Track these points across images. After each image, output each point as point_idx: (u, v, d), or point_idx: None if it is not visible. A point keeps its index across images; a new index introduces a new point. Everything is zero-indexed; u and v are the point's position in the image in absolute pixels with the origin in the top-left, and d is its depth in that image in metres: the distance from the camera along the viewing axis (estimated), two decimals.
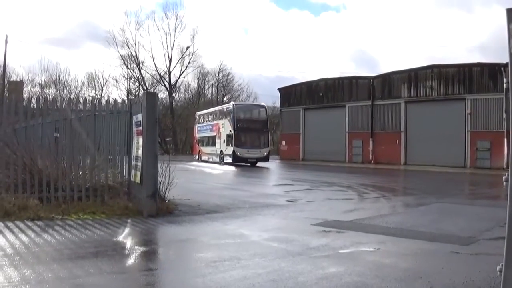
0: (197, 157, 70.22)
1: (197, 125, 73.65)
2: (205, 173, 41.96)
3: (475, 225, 14.38)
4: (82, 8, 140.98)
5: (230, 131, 57.20)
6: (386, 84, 64.61)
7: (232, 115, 57.62)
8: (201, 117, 73.38)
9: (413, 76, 61.33)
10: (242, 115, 59.60)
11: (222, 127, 60.74)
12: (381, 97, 63.37)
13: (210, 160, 64.27)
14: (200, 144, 70.64)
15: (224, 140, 59.49)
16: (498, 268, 5.57)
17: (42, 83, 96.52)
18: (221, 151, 60.30)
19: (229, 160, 57.37)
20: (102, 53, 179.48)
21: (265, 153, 57.96)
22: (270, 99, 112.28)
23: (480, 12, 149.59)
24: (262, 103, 68.41)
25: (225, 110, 62.57)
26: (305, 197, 21.54)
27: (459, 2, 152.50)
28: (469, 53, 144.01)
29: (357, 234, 12.59)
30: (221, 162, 59.30)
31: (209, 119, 68.67)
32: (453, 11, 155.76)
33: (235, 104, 61.78)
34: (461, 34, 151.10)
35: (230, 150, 57.13)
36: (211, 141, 65.55)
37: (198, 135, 72.41)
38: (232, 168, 50.74)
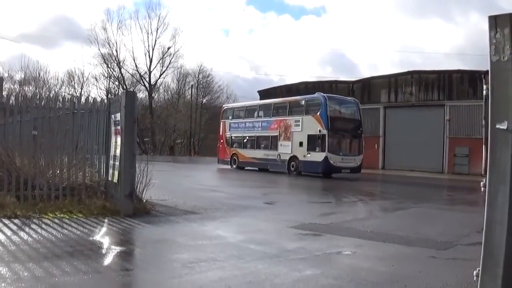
0: (228, 163, 54.27)
1: (228, 121, 56.12)
2: None
3: (453, 230, 14.47)
4: (57, 4, 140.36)
5: (320, 131, 41.89)
6: (365, 89, 65.08)
7: (322, 110, 42.59)
8: (238, 112, 56.63)
9: (393, 82, 61.88)
10: (336, 111, 45.37)
11: (297, 125, 45.22)
12: (360, 102, 63.76)
13: (267, 168, 48.64)
14: (235, 145, 54.21)
15: (300, 143, 44.41)
16: (474, 273, 5.60)
17: (22, 80, 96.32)
18: (292, 157, 45.19)
19: (311, 169, 43.22)
20: (80, 51, 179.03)
21: (358, 162, 43.75)
22: (251, 101, 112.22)
23: (458, 20, 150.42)
24: (352, 98, 52.17)
25: (304, 102, 46.49)
26: (283, 200, 21.56)
27: (438, 10, 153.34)
28: (447, 60, 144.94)
29: (334, 237, 12.63)
30: (290, 171, 45.05)
31: (262, 113, 51.96)
32: (432, 18, 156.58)
33: (328, 96, 45.02)
34: (439, 40, 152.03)
35: (317, 156, 42.04)
36: (264, 142, 50.20)
37: (231, 133, 55.31)
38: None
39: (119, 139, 14.83)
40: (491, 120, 5.39)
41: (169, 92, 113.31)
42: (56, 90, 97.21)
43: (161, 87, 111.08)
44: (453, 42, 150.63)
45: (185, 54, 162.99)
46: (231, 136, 54.97)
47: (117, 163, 14.98)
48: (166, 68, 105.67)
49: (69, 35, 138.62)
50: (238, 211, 16.83)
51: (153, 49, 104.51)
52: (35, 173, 14.92)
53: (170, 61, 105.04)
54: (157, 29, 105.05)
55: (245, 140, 52.91)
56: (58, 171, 15.36)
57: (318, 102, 43.98)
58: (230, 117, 56.50)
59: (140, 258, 10.02)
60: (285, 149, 46.49)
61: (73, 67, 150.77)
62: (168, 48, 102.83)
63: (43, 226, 12.19)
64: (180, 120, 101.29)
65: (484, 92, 5.59)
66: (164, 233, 12.43)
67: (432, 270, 9.42)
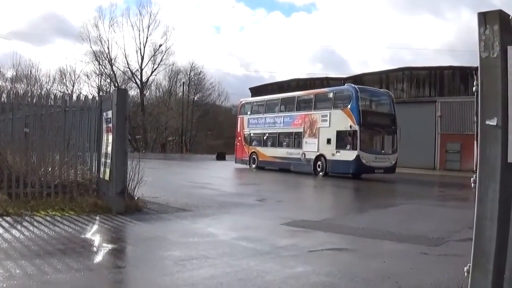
0: (247, 162, 49.07)
1: (247, 117, 50.90)
2: None
3: (444, 226, 14.49)
4: (47, 1, 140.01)
5: (351, 126, 37.10)
6: None
7: (353, 103, 37.69)
8: (258, 106, 51.21)
9: (385, 78, 61.71)
10: (368, 104, 41.35)
11: (325, 120, 39.99)
12: None
13: (289, 168, 43.37)
14: (254, 143, 48.99)
15: (328, 140, 39.23)
16: (465, 269, 5.62)
17: (13, 77, 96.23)
18: (319, 155, 40.02)
19: (341, 169, 38.35)
20: (72, 48, 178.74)
21: (393, 161, 38.65)
22: (241, 98, 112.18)
23: (448, 16, 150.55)
24: (385, 90, 46.75)
25: (333, 95, 40.86)
26: (275, 197, 21.58)
27: (428, 6, 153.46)
28: (438, 56, 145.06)
29: (325, 234, 12.64)
30: (316, 172, 39.97)
31: (284, 108, 46.84)
32: (422, 14, 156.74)
33: (359, 88, 39.96)
34: (430, 37, 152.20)
35: (347, 155, 37.21)
36: (286, 140, 44.98)
37: (249, 130, 49.99)
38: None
39: (110, 136, 14.81)
40: (481, 116, 5.41)
41: (160, 90, 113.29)
42: (47, 87, 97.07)
43: (152, 85, 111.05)
44: (443, 38, 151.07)
45: (176, 52, 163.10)
46: (250, 133, 49.65)
47: (108, 160, 14.97)
48: (158, 66, 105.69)
49: (59, 32, 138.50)
50: (230, 208, 16.83)
51: (144, 47, 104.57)
52: (27, 171, 14.91)
53: (162, 58, 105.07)
54: (149, 27, 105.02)
55: (265, 138, 47.89)
56: (50, 169, 15.36)
57: (348, 95, 38.87)
58: (248, 112, 50.95)
59: (132, 256, 10.03)
60: (310, 147, 41.07)
61: (64, 64, 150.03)
62: (160, 46, 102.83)
63: (35, 223, 12.19)
64: (171, 118, 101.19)
65: (474, 88, 5.61)
66: (155, 230, 12.43)
67: (424, 267, 9.44)
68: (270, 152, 46.12)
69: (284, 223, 13.89)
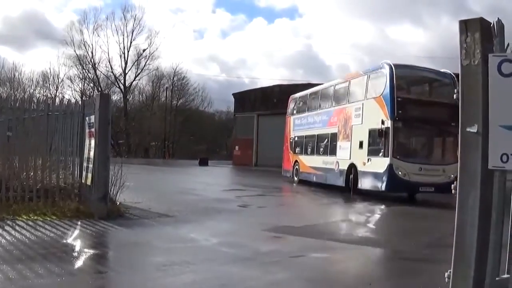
0: (290, 174, 39.31)
1: (293, 117, 40.98)
2: None
3: (426, 231, 14.56)
4: (26, 3, 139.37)
5: (383, 122, 25.05)
6: None
7: (387, 87, 25.53)
8: (301, 102, 40.24)
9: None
10: (411, 89, 29.01)
11: (358, 115, 28.24)
12: None
13: (325, 181, 32.04)
14: (297, 150, 38.62)
15: (360, 143, 27.49)
16: (446, 274, 5.67)
17: None
18: (351, 165, 28.17)
19: (372, 184, 26.15)
20: (54, 52, 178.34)
21: (450, 175, 23.32)
22: (225, 104, 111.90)
23: (428, 22, 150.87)
24: (445, 70, 28.21)
25: (366, 78, 28.27)
26: (257, 203, 21.60)
27: (408, 13, 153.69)
28: (418, 62, 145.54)
29: (307, 240, 12.67)
30: (350, 189, 27.58)
31: (322, 103, 35.25)
32: (402, 21, 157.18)
33: (396, 65, 26.42)
34: (409, 43, 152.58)
35: (378, 164, 25.42)
36: (323, 144, 33.51)
37: (294, 134, 40.07)
38: None
39: (93, 141, 14.79)
40: (461, 123, 5.47)
41: (144, 95, 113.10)
42: (30, 91, 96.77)
43: (136, 89, 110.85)
44: (423, 45, 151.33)
45: (160, 56, 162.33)
46: (294, 137, 39.70)
47: (90, 165, 14.93)
48: (141, 70, 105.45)
49: (40, 36, 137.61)
50: (212, 214, 16.82)
51: (128, 51, 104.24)
52: (9, 175, 14.85)
53: (146, 63, 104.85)
54: (133, 31, 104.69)
55: (305, 142, 37.23)
56: (32, 173, 15.29)
57: (382, 77, 26.25)
58: (294, 111, 40.96)
59: (114, 261, 10.01)
60: (343, 153, 29.63)
61: (48, 68, 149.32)
62: (143, 50, 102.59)
63: (17, 228, 12.14)
64: (154, 123, 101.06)
65: (455, 96, 5.66)
66: (137, 236, 12.42)
67: (405, 272, 9.50)
68: (309, 161, 35.62)
69: (265, 229, 13.91)
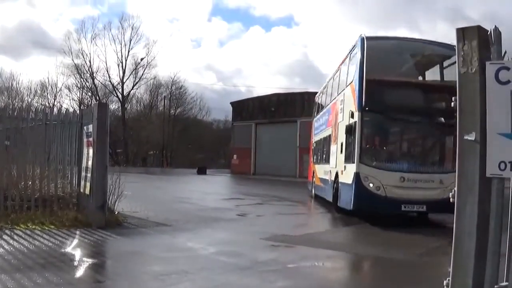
0: (310, 187, 32.80)
1: (314, 120, 34.50)
2: None
3: (424, 239, 14.55)
4: (23, 13, 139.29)
5: (352, 114, 19.18)
6: None
7: (357, 67, 19.40)
8: (320, 98, 33.57)
9: None
10: (388, 68, 20.89)
11: (341, 109, 22.51)
12: None
13: (324, 195, 26.26)
14: (314, 158, 33.05)
15: (341, 145, 21.53)
16: (445, 282, 5.66)
17: None
18: (336, 175, 22.21)
19: (345, 201, 19.78)
20: (52, 61, 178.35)
21: (445, 189, 16.21)
22: (223, 112, 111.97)
23: (424, 29, 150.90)
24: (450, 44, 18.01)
25: (348, 60, 22.48)
26: (255, 212, 21.57)
27: (404, 19, 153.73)
28: None
29: (305, 249, 12.66)
30: (337, 205, 21.37)
31: (327, 98, 28.71)
32: (398, 28, 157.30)
33: (368, 38, 20.02)
34: None
35: (350, 174, 19.14)
36: (325, 150, 27.82)
37: (313, 139, 34.27)
38: None
39: (91, 150, 14.78)
40: (459, 131, 5.47)
41: (142, 103, 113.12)
42: (29, 100, 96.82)
43: (133, 98, 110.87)
44: None
45: (158, 65, 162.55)
46: (313, 144, 33.87)
47: (89, 174, 14.92)
48: (139, 79, 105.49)
49: (37, 45, 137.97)
50: (210, 223, 16.80)
51: (126, 60, 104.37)
52: (7, 184, 14.84)
53: (143, 72, 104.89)
54: (130, 40, 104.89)
55: (316, 148, 32.16)
56: (30, 182, 15.29)
57: (357, 54, 20.04)
58: (315, 113, 34.69)
59: (112, 270, 10.01)
60: (333, 160, 23.95)
61: (46, 77, 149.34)
62: (141, 59, 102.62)
63: (15, 237, 12.13)
64: (152, 132, 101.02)
65: (452, 103, 5.67)
66: (135, 245, 12.40)
67: (403, 281, 9.49)
68: (318, 171, 29.77)
69: (264, 237, 13.89)
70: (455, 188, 5.54)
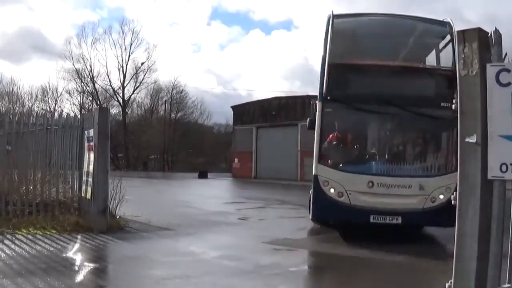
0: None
1: None
2: None
3: (427, 242, 14.55)
4: (22, 18, 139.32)
5: (315, 105, 15.87)
6: None
7: (323, 50, 15.70)
8: None
9: None
10: (357, 50, 17.61)
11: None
12: None
13: None
14: None
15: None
16: (447, 285, 5.65)
17: None
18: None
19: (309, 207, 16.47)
20: (52, 65, 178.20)
21: (439, 196, 14.11)
22: (223, 116, 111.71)
23: None
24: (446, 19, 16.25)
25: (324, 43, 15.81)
26: (257, 215, 21.56)
27: None
28: None
29: (307, 252, 12.67)
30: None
31: None
32: None
33: (335, 15, 16.15)
34: None
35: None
36: None
37: None
38: None
39: (92, 155, 14.79)
40: (460, 133, 5.47)
41: (142, 108, 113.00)
42: (30, 105, 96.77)
43: (134, 103, 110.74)
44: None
45: (158, 70, 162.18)
46: None
47: (90, 179, 14.92)
48: (140, 84, 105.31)
49: (37, 50, 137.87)
50: (212, 227, 16.79)
51: (126, 64, 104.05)
52: (9, 189, 14.86)
53: (144, 76, 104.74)
54: (131, 44, 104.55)
55: None
56: (31, 187, 15.30)
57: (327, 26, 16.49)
58: None
59: (114, 275, 10.01)
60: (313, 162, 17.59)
61: (46, 82, 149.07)
62: (142, 64, 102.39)
63: (17, 242, 12.14)
64: (153, 136, 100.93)
65: (453, 106, 5.67)
66: (137, 249, 12.41)
67: (405, 283, 9.49)
68: None
69: (265, 241, 13.88)
70: (457, 191, 5.54)
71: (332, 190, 14.60)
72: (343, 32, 16.74)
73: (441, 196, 14.04)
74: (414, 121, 15.75)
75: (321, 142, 15.29)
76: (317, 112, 15.35)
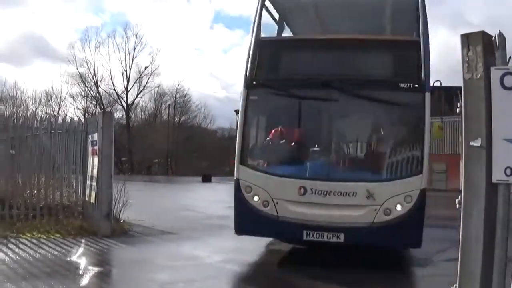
0: None
1: None
2: None
3: (431, 246, 14.50)
4: (26, 24, 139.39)
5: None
6: None
7: (253, 23, 12.60)
8: None
9: None
10: (289, 24, 15.46)
11: None
12: None
13: None
14: None
15: None
16: None
17: None
18: None
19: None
20: (56, 69, 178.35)
21: (397, 207, 10.88)
22: (227, 120, 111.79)
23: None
24: None
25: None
26: None
27: None
28: None
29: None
30: None
31: None
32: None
33: None
34: None
35: None
36: None
37: None
38: None
39: (96, 159, 14.80)
40: (465, 137, 5.46)
41: (146, 112, 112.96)
42: (33, 109, 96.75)
43: (138, 107, 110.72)
44: None
45: (162, 73, 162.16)
46: None
47: (94, 183, 14.93)
48: (144, 88, 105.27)
49: (40, 54, 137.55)
50: (215, 231, 16.76)
51: (130, 68, 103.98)
52: (12, 193, 14.86)
53: (148, 80, 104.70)
54: (134, 49, 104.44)
55: None
56: (35, 191, 15.31)
57: None
58: None
59: (118, 279, 10.03)
60: None
61: (50, 86, 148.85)
62: (145, 68, 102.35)
63: (21, 246, 12.16)
64: (157, 140, 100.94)
65: (458, 110, 5.66)
66: (141, 253, 12.39)
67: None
68: None
69: (270, 245, 13.85)
70: (462, 194, 5.53)
71: (256, 198, 11.50)
72: (277, 3, 14.03)
73: (399, 208, 10.84)
74: (363, 109, 12.34)
75: (244, 138, 12.29)
76: (241, 101, 12.38)
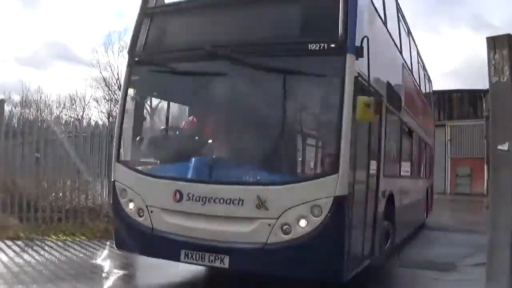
0: None
1: None
2: None
3: (455, 251, 14.40)
4: (48, 28, 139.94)
5: None
6: None
7: None
8: None
9: None
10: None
11: None
12: None
13: None
14: None
15: None
16: None
17: (22, 102, 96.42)
18: None
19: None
20: (79, 73, 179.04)
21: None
22: None
23: (448, 35, 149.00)
24: None
25: None
26: None
27: (426, 25, 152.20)
28: (444, 78, 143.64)
29: None
30: None
31: None
32: (421, 34, 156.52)
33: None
34: (433, 58, 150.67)
35: None
36: None
37: None
38: None
39: None
40: (492, 141, 5.41)
41: None
42: (57, 113, 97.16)
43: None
44: (446, 61, 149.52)
45: None
46: None
47: None
48: None
49: (64, 58, 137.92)
50: None
51: None
52: (38, 195, 14.93)
53: None
54: None
55: None
56: (60, 194, 15.37)
57: None
58: None
59: (142, 282, 10.05)
60: None
61: (74, 90, 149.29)
62: None
63: (46, 248, 12.20)
64: None
65: (485, 113, 5.63)
66: None
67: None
68: None
69: None
70: (489, 199, 5.49)
71: (131, 205, 9.12)
72: None
73: (302, 223, 7.64)
74: (261, 85, 8.87)
75: (121, 129, 9.91)
76: (122, 83, 10.48)
